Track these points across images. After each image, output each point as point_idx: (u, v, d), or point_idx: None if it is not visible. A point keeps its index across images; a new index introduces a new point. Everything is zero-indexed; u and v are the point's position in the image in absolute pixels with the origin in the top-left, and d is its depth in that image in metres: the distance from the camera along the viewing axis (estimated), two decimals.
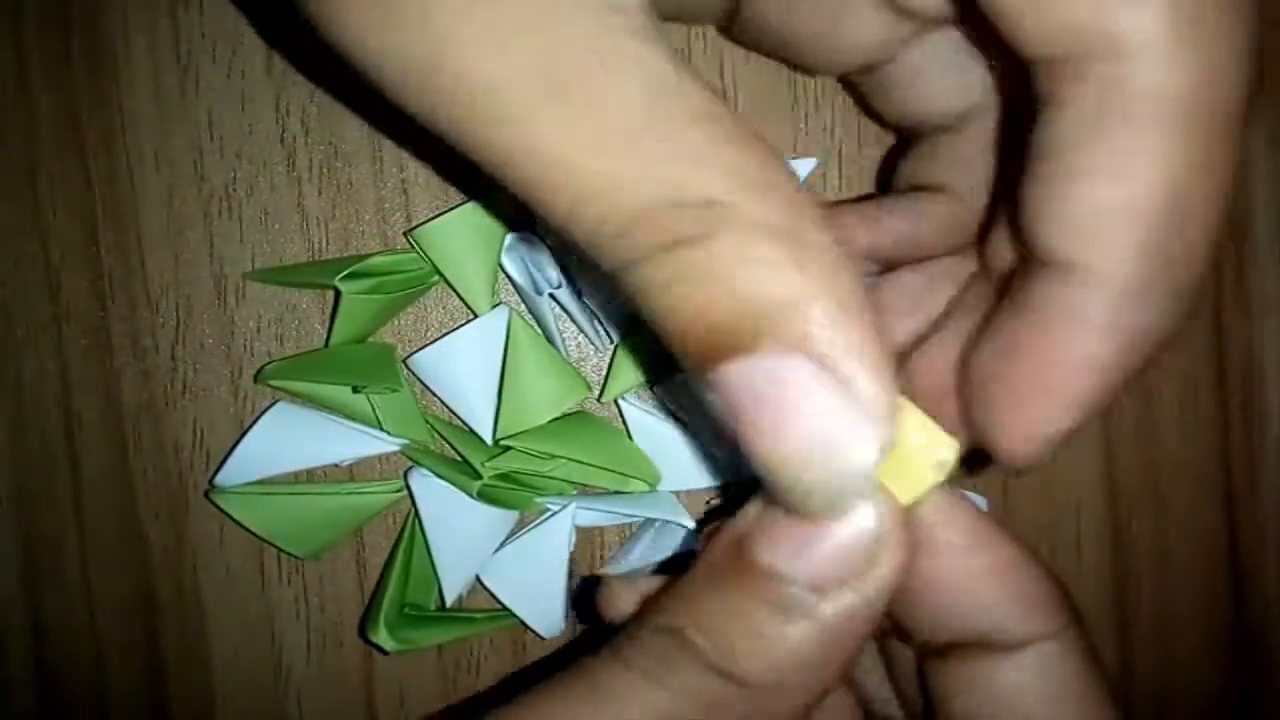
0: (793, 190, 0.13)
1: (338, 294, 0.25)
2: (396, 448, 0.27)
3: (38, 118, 0.26)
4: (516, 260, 0.26)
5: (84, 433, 0.27)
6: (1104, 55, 0.13)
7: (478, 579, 0.27)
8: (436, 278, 0.26)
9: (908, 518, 0.14)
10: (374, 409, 0.26)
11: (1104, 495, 0.29)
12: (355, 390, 0.26)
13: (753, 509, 0.15)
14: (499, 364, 0.25)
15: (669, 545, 0.27)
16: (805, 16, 0.19)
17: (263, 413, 0.26)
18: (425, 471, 0.26)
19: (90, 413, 0.27)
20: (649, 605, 0.15)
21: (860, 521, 0.13)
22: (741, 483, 0.27)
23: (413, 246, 0.26)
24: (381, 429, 0.26)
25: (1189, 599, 0.29)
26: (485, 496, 0.25)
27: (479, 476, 0.25)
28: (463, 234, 0.25)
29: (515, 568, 0.26)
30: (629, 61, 0.13)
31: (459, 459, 0.26)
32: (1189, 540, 0.29)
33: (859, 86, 0.22)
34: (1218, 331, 0.29)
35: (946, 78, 0.19)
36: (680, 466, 0.27)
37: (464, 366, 0.26)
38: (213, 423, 0.27)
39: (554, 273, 0.26)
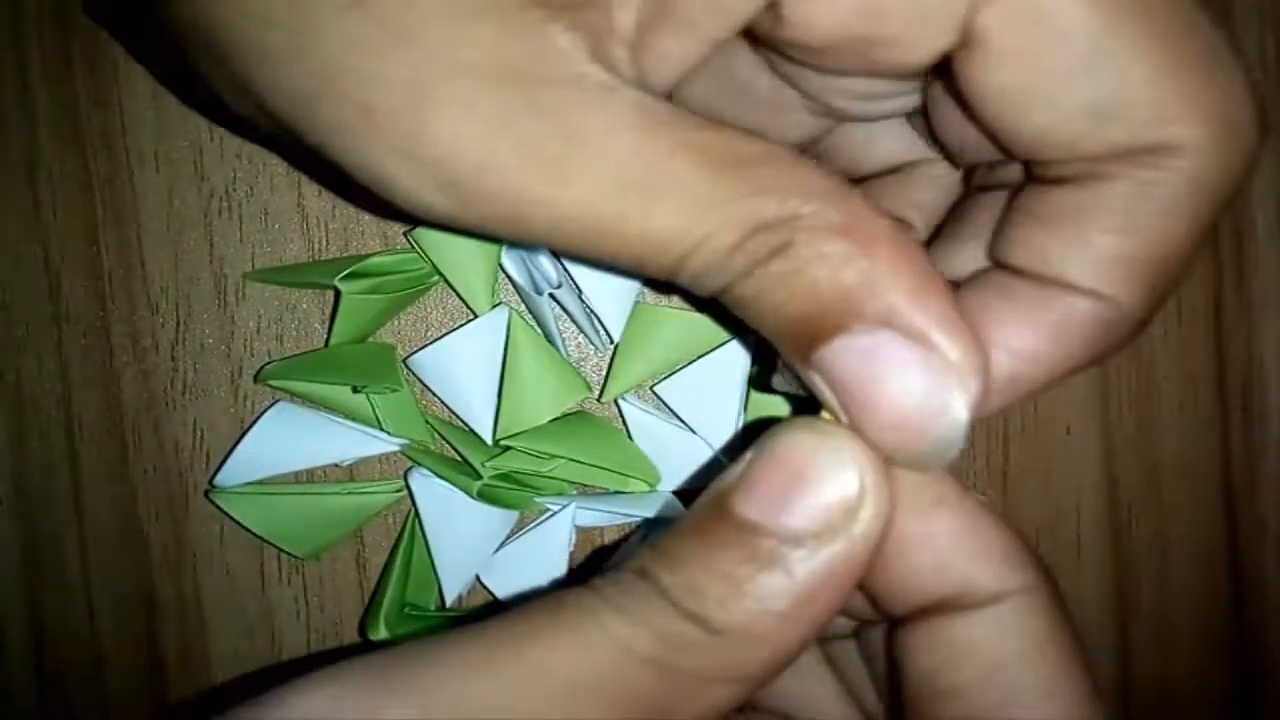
0: (845, 190, 0.15)
1: (338, 294, 0.25)
2: (396, 448, 0.27)
3: (38, 117, 0.26)
4: (516, 260, 0.26)
5: (84, 433, 0.27)
6: (1153, 153, 0.15)
7: (478, 579, 0.27)
8: (436, 278, 0.26)
9: (889, 474, 0.15)
10: (374, 409, 0.26)
11: (1104, 495, 0.29)
12: (355, 390, 0.26)
13: (738, 467, 0.15)
14: (499, 364, 0.25)
15: None
16: (735, 116, 0.20)
17: (263, 413, 0.26)
18: (425, 471, 0.26)
19: (90, 413, 0.27)
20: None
21: (842, 477, 0.14)
22: None
23: (413, 246, 0.26)
24: (381, 429, 0.26)
25: (1189, 599, 0.29)
26: (485, 496, 0.25)
27: (479, 476, 0.25)
28: (463, 234, 0.25)
29: (515, 568, 0.26)
30: (690, 149, 0.14)
31: (459, 459, 0.26)
32: (1189, 540, 0.29)
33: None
34: (1218, 331, 0.29)
35: (890, 140, 0.21)
36: (680, 466, 0.27)
37: (464, 366, 0.26)
38: (213, 423, 0.27)
39: (554, 273, 0.26)
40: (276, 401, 0.26)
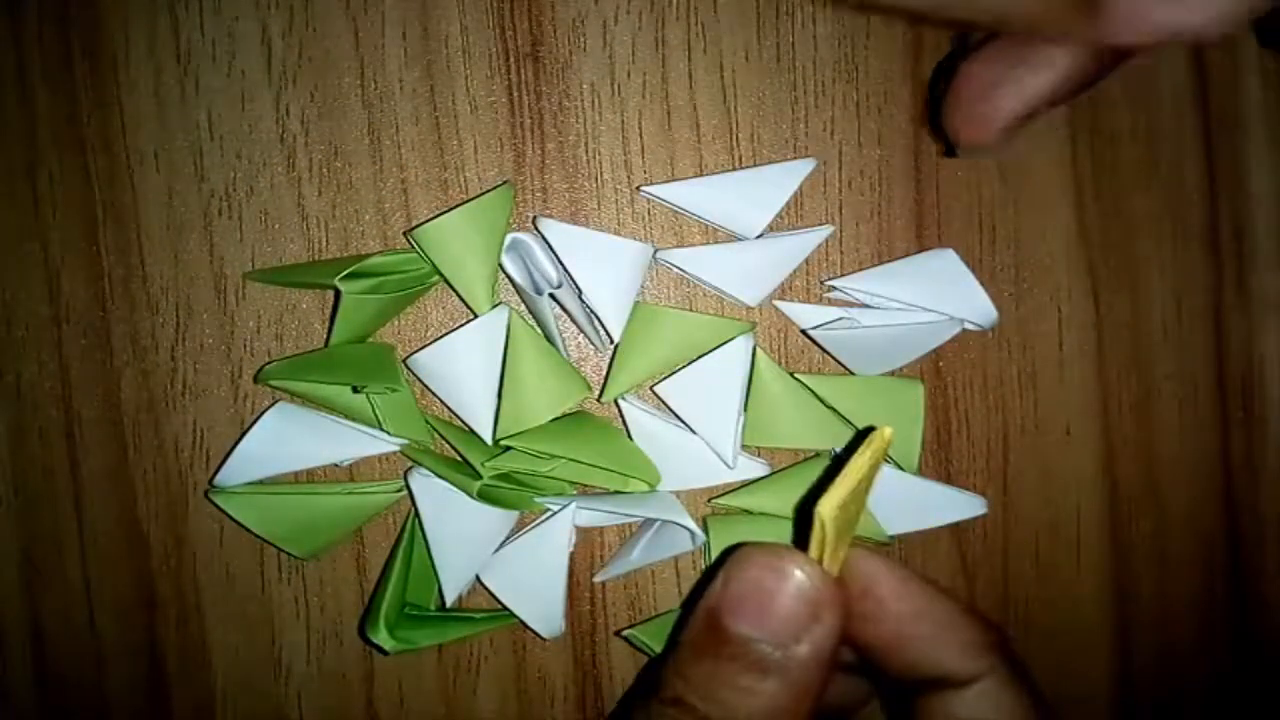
0: None
1: (338, 294, 0.25)
2: (396, 448, 0.27)
3: (38, 117, 0.26)
4: (516, 260, 0.26)
5: (84, 433, 0.27)
6: None
7: (478, 579, 0.27)
8: (436, 278, 0.26)
9: (840, 582, 0.18)
10: (374, 409, 0.26)
11: (1104, 495, 0.29)
12: (355, 390, 0.26)
13: (718, 583, 0.18)
14: (499, 364, 0.25)
15: (669, 545, 0.27)
16: None
17: (263, 413, 0.26)
18: (425, 471, 0.26)
19: (90, 413, 0.27)
20: (654, 678, 0.19)
21: (803, 590, 0.18)
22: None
23: (413, 246, 0.26)
24: (381, 429, 0.26)
25: (1189, 599, 0.29)
26: (485, 496, 0.25)
27: (479, 476, 0.25)
28: (463, 234, 0.25)
29: (515, 568, 0.26)
30: None
31: (459, 459, 0.26)
32: (1189, 540, 0.29)
33: None
34: (1218, 331, 0.29)
35: None
36: (680, 466, 0.27)
37: (464, 366, 0.26)
38: (213, 423, 0.27)
39: (554, 273, 0.26)
40: (276, 401, 0.26)
